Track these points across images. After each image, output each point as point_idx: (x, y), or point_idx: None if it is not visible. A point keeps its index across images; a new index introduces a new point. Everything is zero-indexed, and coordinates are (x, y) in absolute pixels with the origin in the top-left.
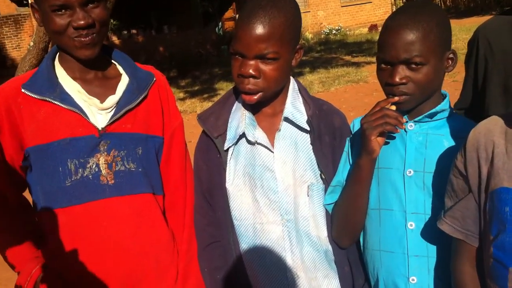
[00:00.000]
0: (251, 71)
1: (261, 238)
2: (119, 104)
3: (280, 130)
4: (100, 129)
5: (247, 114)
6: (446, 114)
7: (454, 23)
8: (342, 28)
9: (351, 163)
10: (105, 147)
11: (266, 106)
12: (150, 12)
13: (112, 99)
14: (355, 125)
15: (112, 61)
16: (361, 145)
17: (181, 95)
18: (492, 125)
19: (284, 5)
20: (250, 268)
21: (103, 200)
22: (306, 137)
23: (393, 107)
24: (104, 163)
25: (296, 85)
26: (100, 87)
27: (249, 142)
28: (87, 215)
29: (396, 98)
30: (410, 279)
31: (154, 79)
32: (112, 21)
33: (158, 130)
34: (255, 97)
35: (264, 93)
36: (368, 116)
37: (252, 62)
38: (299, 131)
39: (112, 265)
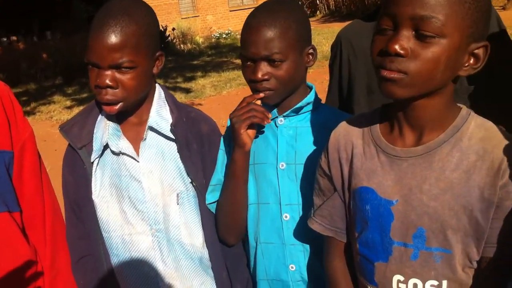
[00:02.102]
0: (107, 81)
1: (130, 249)
2: None
3: (145, 139)
4: None
5: (110, 124)
6: (313, 105)
7: (338, 27)
8: (232, 32)
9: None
10: None
11: (131, 115)
12: (30, 18)
13: None
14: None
15: None
16: (233, 140)
17: (68, 103)
18: (350, 126)
19: (136, 12)
20: (122, 280)
21: None
22: (173, 146)
23: (259, 102)
24: None
25: (162, 93)
26: None
27: (113, 152)
28: None
29: (262, 95)
30: (290, 267)
31: None
32: None
33: (6, 145)
34: (116, 107)
35: (125, 103)
36: (236, 111)
37: (108, 72)
38: (166, 140)
39: None
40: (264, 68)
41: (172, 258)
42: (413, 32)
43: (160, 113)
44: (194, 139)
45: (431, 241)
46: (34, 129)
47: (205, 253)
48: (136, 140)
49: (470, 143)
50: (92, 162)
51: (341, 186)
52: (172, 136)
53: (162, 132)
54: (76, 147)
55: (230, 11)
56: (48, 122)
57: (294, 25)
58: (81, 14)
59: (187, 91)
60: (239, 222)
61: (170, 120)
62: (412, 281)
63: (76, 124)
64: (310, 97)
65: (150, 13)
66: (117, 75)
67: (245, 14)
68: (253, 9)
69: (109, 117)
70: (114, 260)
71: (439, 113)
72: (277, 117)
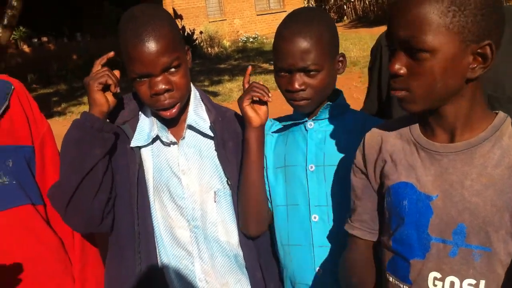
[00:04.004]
0: (164, 86)
1: (172, 242)
2: None
3: (184, 138)
4: None
5: (157, 120)
6: (341, 110)
7: (365, 32)
8: (259, 36)
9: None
10: None
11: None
12: (61, 19)
13: None
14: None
15: None
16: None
17: None
18: (387, 127)
19: (161, 14)
20: (166, 272)
21: None
22: (211, 144)
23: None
24: None
25: (198, 93)
26: None
27: (163, 143)
28: None
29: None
30: (317, 270)
31: (13, 87)
32: (21, 28)
33: (26, 140)
34: (174, 109)
35: (181, 103)
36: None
37: (160, 78)
38: (203, 138)
39: (5, 278)
40: (300, 79)
41: (208, 254)
42: (406, 51)
43: (197, 112)
44: (230, 138)
45: (471, 238)
46: (65, 129)
47: (240, 251)
48: (176, 138)
49: (510, 142)
50: (132, 148)
51: (378, 184)
52: (211, 134)
53: (201, 130)
54: (118, 123)
55: (257, 15)
56: None
57: (326, 34)
58: (111, 15)
59: (215, 94)
60: (256, 208)
61: (208, 119)
62: (449, 278)
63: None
64: (339, 102)
65: (166, 11)
66: (169, 77)
67: (272, 18)
68: (280, 13)
69: (154, 115)
70: (160, 250)
71: (464, 116)
72: (306, 121)
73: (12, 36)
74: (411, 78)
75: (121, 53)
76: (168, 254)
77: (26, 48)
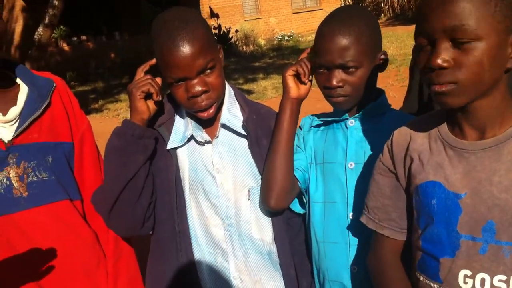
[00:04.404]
0: (201, 87)
1: (207, 240)
2: (22, 115)
3: (217, 137)
4: (6, 142)
5: (192, 120)
6: (382, 109)
7: (403, 30)
8: (294, 35)
9: (305, 153)
10: (14, 159)
11: None
12: (99, 18)
13: (15, 111)
14: (304, 123)
15: (8, 72)
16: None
17: None
18: (415, 125)
19: (193, 16)
20: (200, 270)
21: (20, 212)
22: (244, 142)
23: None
24: (15, 176)
25: (232, 91)
26: (0, 101)
27: (198, 143)
28: (8, 227)
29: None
30: (352, 268)
31: (54, 84)
32: (61, 27)
33: (66, 136)
34: (212, 110)
35: (217, 103)
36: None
37: (196, 80)
38: (237, 136)
39: (44, 269)
40: (338, 75)
41: (242, 252)
42: (450, 43)
43: (231, 111)
44: (264, 135)
45: (501, 234)
46: (102, 126)
47: (274, 248)
48: (210, 136)
49: None
50: (168, 150)
51: (406, 183)
52: (244, 132)
53: (234, 129)
54: (155, 126)
55: (293, 13)
56: (116, 120)
57: (367, 32)
58: (148, 14)
59: (249, 92)
60: (278, 177)
61: (241, 118)
62: (479, 275)
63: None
64: (381, 101)
65: (197, 12)
66: (205, 78)
67: (308, 16)
68: (316, 11)
69: (189, 115)
70: (194, 248)
71: (496, 110)
72: (347, 118)
73: (53, 34)
74: (457, 70)
75: (156, 57)
76: (203, 252)
77: (65, 47)
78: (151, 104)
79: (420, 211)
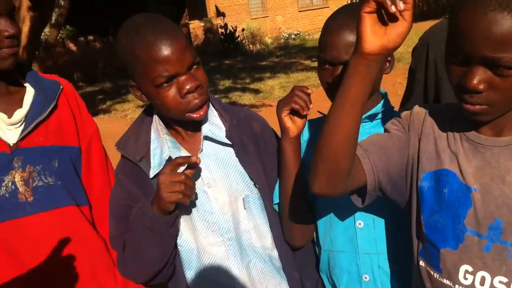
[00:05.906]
0: (193, 83)
1: (204, 262)
2: (28, 117)
3: (202, 151)
4: (11, 145)
5: (167, 138)
6: (385, 112)
7: None
8: (301, 33)
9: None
10: (19, 163)
11: (184, 127)
12: (107, 18)
13: (20, 113)
14: (303, 134)
15: (15, 74)
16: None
17: (141, 102)
18: (438, 109)
19: (164, 18)
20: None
21: (25, 218)
22: (230, 151)
23: (309, 91)
24: (21, 180)
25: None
26: (5, 102)
27: None
28: (13, 233)
29: (309, 91)
30: (363, 277)
31: (61, 87)
32: (68, 27)
33: (73, 140)
34: (203, 110)
35: (207, 102)
36: (282, 98)
37: (187, 76)
38: (222, 146)
39: (50, 276)
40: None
41: (245, 264)
42: (488, 68)
43: (211, 121)
44: (249, 140)
45: (507, 235)
46: (109, 126)
47: (275, 253)
48: (193, 152)
49: None
50: (152, 178)
51: (414, 161)
52: (228, 142)
53: (218, 139)
54: (135, 160)
55: (300, 11)
56: (123, 120)
57: None
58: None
59: (256, 91)
60: (296, 218)
61: (222, 127)
62: (480, 273)
63: (130, 138)
64: (385, 104)
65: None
66: (195, 74)
67: (315, 14)
68: (322, 9)
69: (164, 132)
70: (188, 273)
71: None
72: None
73: (59, 35)
74: (492, 93)
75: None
76: (197, 275)
77: (72, 47)
78: (185, 200)
79: (428, 197)
